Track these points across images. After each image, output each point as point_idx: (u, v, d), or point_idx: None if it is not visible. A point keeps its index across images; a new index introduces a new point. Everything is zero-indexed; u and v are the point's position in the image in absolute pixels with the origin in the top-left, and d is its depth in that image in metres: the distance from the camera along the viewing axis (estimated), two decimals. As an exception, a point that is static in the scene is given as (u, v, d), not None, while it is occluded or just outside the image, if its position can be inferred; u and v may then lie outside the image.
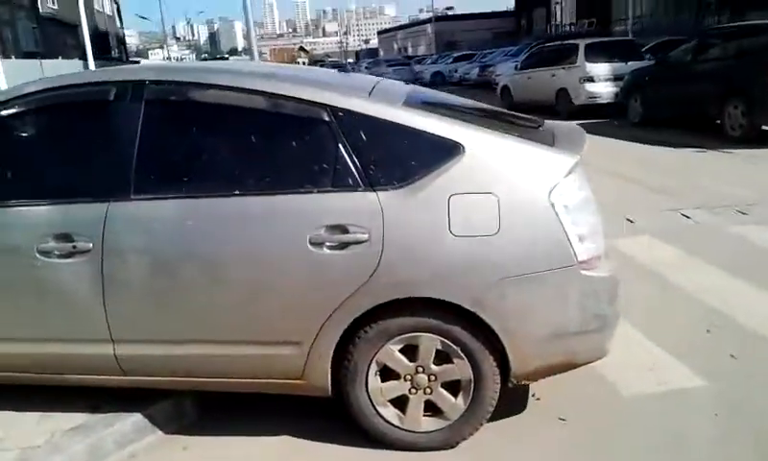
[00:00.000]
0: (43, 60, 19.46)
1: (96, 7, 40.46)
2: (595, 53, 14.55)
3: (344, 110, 2.68)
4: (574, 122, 3.85)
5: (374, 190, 2.59)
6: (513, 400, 3.06)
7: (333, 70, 3.58)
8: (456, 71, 31.71)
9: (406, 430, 2.78)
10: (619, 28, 29.46)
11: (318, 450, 2.85)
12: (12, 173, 2.89)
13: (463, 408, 2.75)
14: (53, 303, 2.76)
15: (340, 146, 2.64)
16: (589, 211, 2.69)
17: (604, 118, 13.44)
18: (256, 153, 2.77)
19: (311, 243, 2.56)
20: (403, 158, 2.64)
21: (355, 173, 2.61)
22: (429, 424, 2.78)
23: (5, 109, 2.90)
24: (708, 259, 4.88)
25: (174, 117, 2.84)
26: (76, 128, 2.92)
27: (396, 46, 67.43)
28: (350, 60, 64.10)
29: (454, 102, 3.32)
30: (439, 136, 2.65)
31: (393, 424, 2.78)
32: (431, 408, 2.78)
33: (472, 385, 2.71)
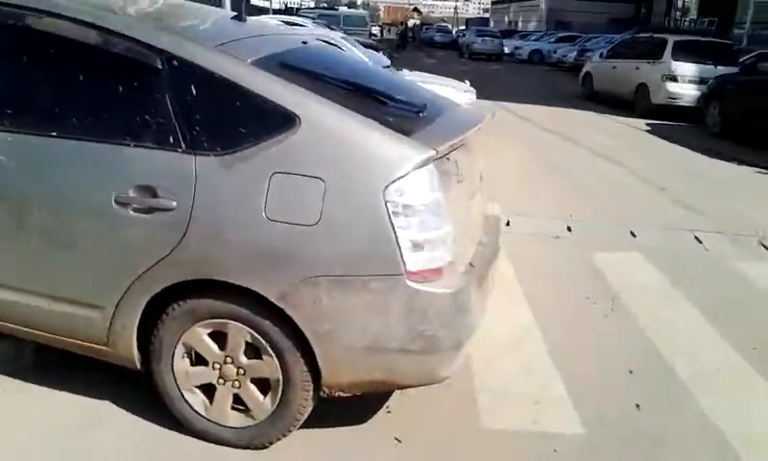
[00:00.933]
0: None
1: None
2: (685, 51, 13.41)
3: (179, 59, 2.41)
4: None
5: (194, 154, 2.33)
6: (360, 410, 2.77)
7: (226, 15, 3.16)
8: (555, 52, 30.36)
9: (212, 422, 2.55)
10: (739, 31, 27.13)
11: (120, 422, 2.68)
12: None
13: (270, 409, 2.48)
14: None
15: (167, 98, 2.38)
16: (437, 216, 2.32)
17: (684, 122, 12.42)
18: (81, 93, 2.54)
19: (116, 202, 2.34)
20: (234, 123, 2.36)
21: (178, 131, 2.35)
22: (237, 419, 2.53)
23: None
24: (689, 292, 4.31)
25: (11, 45, 2.65)
26: None
27: (507, 19, 65.31)
28: (461, 28, 62.72)
29: (329, 69, 2.91)
30: (275, 104, 2.34)
31: (198, 413, 2.55)
32: (242, 403, 2.53)
33: (281, 387, 2.44)
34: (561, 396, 3.03)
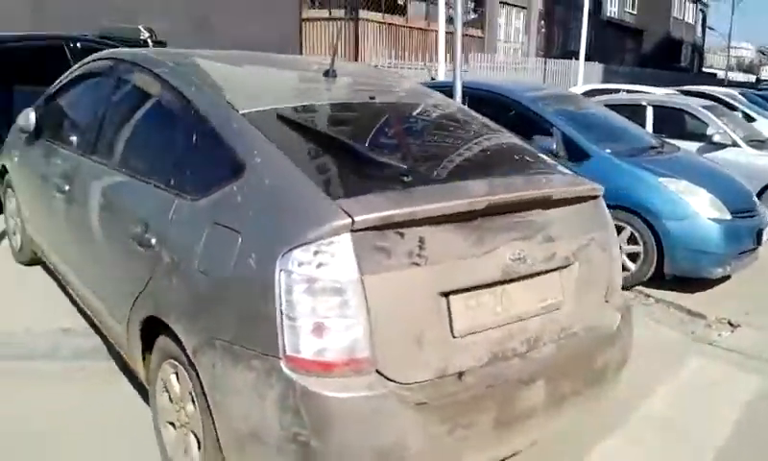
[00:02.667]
0: (553, 60, 20.74)
1: (675, 14, 39.96)
2: None
3: (194, 107, 2.55)
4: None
5: (176, 196, 2.43)
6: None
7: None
8: None
9: (171, 461, 2.54)
10: None
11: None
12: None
13: None
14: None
15: (182, 142, 2.55)
16: (342, 299, 1.89)
17: None
18: (132, 134, 2.98)
19: (131, 234, 2.58)
20: (207, 169, 2.42)
21: (175, 172, 2.51)
22: (183, 469, 2.47)
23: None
24: None
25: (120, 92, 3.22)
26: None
27: None
28: None
29: (354, 126, 2.64)
30: (234, 151, 2.30)
31: (165, 449, 2.57)
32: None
33: (202, 450, 2.29)
34: None
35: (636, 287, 5.09)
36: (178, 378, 2.43)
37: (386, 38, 16.23)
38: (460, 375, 2.09)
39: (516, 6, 24.92)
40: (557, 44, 27.23)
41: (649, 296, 5.03)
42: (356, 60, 15.22)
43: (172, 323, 2.29)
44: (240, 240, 2.05)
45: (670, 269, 5.03)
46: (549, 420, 2.33)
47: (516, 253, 2.20)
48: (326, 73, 2.97)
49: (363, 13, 15.88)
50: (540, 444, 2.55)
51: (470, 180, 2.33)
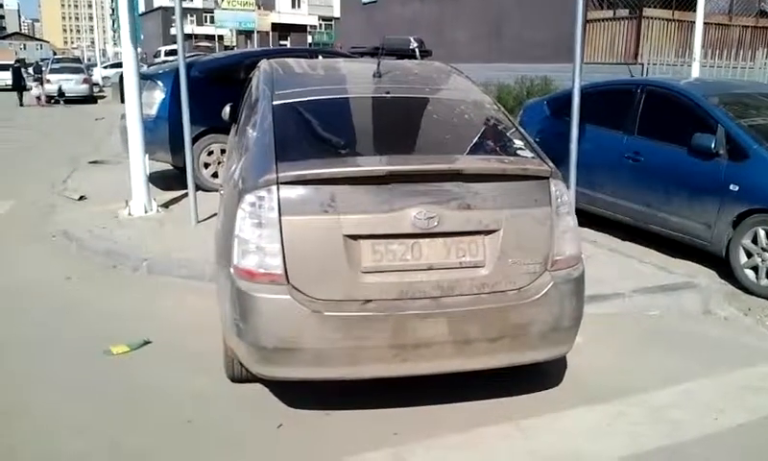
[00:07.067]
0: None
1: None
2: None
3: (256, 100, 3.62)
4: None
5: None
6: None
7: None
8: None
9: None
10: None
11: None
12: None
13: None
14: None
15: (251, 122, 3.63)
16: (264, 230, 2.75)
17: None
18: None
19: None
20: (250, 136, 3.43)
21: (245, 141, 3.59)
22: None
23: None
24: None
25: None
26: None
27: None
28: None
29: (363, 115, 3.30)
30: (259, 126, 3.28)
31: None
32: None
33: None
34: None
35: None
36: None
37: (674, 36, 15.23)
38: (366, 301, 2.74)
39: None
40: None
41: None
42: (635, 58, 14.72)
43: None
44: (236, 186, 2.99)
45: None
46: (455, 356, 2.80)
47: (421, 213, 2.74)
48: (374, 74, 3.67)
49: (648, 12, 15.16)
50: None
51: (388, 155, 2.93)
